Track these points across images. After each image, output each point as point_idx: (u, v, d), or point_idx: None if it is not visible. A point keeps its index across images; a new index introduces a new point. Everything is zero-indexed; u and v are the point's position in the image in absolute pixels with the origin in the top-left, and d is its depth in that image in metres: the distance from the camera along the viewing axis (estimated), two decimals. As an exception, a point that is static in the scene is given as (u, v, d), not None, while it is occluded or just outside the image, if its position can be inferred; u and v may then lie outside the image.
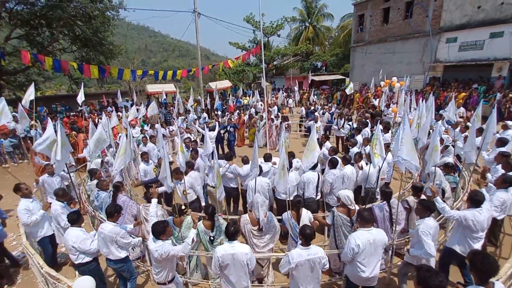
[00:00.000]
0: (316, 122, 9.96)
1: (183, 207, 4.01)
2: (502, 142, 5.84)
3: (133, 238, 3.84)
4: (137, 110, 10.96)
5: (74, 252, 3.57)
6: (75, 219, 3.65)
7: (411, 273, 3.76)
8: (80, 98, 9.21)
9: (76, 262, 3.62)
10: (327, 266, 3.21)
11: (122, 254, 3.67)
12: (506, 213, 4.25)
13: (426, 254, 3.17)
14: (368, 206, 4.82)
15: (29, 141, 9.90)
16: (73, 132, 9.68)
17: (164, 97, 13.45)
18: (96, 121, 10.59)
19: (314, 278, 3.14)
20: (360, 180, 5.49)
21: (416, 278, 2.29)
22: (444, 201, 4.77)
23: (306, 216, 4.00)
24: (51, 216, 4.63)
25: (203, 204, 5.36)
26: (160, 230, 3.18)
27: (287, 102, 18.49)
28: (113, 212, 3.61)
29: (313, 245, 3.14)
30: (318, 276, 3.16)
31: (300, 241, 3.12)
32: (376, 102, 13.00)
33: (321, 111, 12.34)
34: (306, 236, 3.05)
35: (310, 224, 3.72)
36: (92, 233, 3.79)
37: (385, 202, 4.02)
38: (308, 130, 10.83)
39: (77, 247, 3.52)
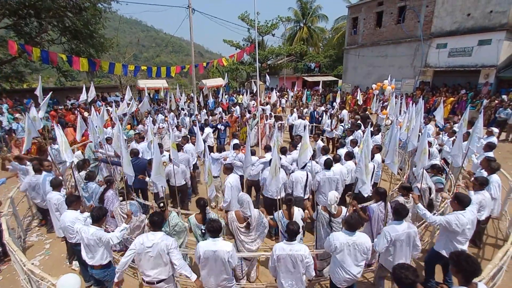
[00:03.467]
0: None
1: (161, 204, 3.95)
2: (490, 147, 5.99)
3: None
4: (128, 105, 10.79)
5: (72, 232, 3.83)
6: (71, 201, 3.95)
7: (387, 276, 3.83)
8: (40, 93, 7.72)
9: (72, 242, 3.95)
10: (311, 268, 3.13)
11: (106, 260, 3.49)
12: (488, 213, 4.37)
13: (374, 246, 3.40)
14: (364, 205, 4.89)
15: (13, 134, 9.61)
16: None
17: (147, 93, 13.43)
18: (85, 115, 10.37)
19: (297, 276, 3.11)
20: (354, 177, 5.59)
21: (393, 277, 2.43)
22: (431, 200, 4.91)
23: (298, 214, 4.03)
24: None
25: (161, 195, 5.61)
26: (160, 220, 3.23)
27: (280, 101, 18.53)
28: (100, 216, 3.45)
29: (298, 242, 3.15)
30: (300, 275, 3.11)
31: (301, 236, 3.19)
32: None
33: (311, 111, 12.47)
34: (290, 232, 3.09)
35: (302, 222, 3.75)
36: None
37: (381, 202, 4.08)
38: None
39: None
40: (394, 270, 2.41)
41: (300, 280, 3.14)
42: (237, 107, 13.99)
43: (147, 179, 5.84)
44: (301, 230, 3.92)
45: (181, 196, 6.16)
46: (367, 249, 3.17)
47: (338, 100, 13.54)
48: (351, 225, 3.15)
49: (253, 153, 6.10)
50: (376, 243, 3.40)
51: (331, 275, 3.41)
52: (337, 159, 5.62)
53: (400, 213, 3.38)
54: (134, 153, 6.05)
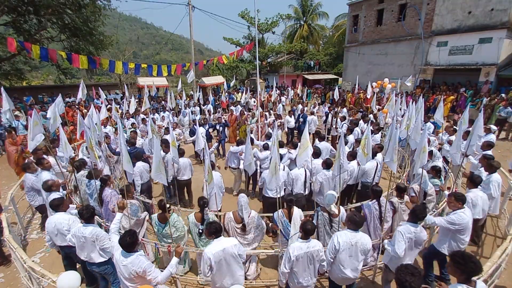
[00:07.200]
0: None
1: (167, 204, 3.96)
2: (489, 146, 6.00)
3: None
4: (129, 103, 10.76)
5: (61, 234, 3.69)
6: (58, 204, 3.79)
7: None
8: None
9: (62, 244, 3.75)
10: (325, 261, 3.24)
11: (104, 258, 3.47)
12: (482, 212, 4.36)
13: (393, 251, 3.27)
14: (357, 205, 4.91)
15: (13, 132, 9.58)
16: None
17: (155, 91, 13.39)
18: (84, 113, 10.34)
19: (312, 271, 3.21)
20: (358, 176, 5.63)
21: (395, 278, 2.38)
22: (425, 204, 4.92)
23: (298, 214, 4.03)
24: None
25: (136, 194, 5.55)
26: (131, 242, 2.79)
27: (280, 99, 18.49)
28: (91, 215, 3.43)
29: (312, 238, 3.19)
30: (315, 269, 3.23)
31: (299, 235, 3.18)
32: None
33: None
34: (307, 231, 3.10)
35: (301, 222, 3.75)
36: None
37: (375, 200, 4.09)
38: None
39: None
40: (398, 273, 2.31)
41: (314, 274, 3.25)
42: (238, 106, 13.88)
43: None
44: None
45: (188, 189, 6.54)
46: (367, 249, 3.20)
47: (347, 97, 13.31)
48: (355, 223, 3.17)
49: (266, 147, 6.54)
50: (396, 248, 3.24)
51: (330, 273, 3.43)
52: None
53: (417, 215, 3.33)
54: (131, 143, 6.61)
